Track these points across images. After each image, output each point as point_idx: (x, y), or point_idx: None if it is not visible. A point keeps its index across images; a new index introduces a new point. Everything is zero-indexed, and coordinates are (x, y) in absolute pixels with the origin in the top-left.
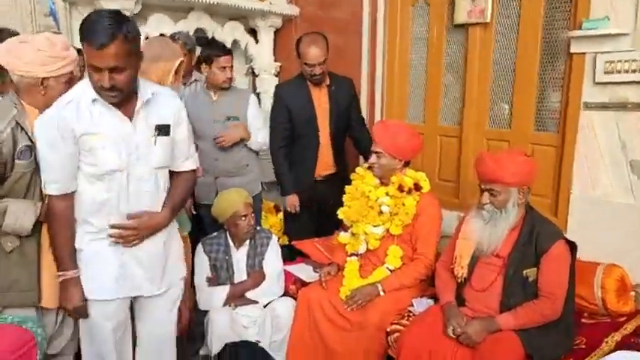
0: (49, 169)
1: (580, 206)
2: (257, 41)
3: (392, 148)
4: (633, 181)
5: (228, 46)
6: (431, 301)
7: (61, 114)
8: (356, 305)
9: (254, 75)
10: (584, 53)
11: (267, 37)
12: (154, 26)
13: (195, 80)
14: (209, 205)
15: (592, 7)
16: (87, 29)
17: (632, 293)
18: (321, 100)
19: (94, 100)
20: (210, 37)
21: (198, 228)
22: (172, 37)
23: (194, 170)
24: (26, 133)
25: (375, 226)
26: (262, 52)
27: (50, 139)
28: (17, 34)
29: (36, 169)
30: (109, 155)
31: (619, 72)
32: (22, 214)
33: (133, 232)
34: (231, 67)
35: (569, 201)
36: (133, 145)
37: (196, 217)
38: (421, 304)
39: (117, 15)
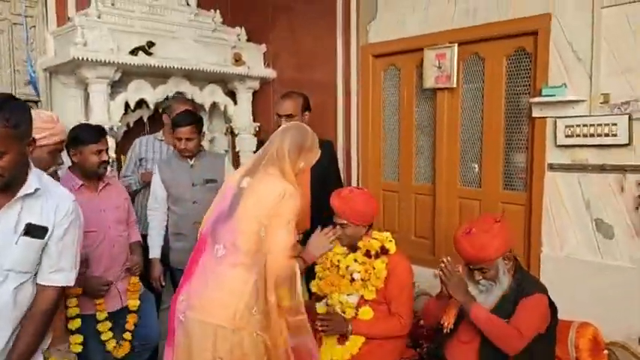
0: None
1: (550, 264)
2: (236, 103)
3: (353, 216)
4: (599, 239)
5: (207, 107)
6: None
7: None
8: (323, 328)
9: (233, 135)
10: (545, 117)
11: (245, 99)
12: (134, 92)
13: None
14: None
15: (550, 74)
16: None
17: (605, 352)
18: None
19: None
20: (189, 98)
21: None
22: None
23: (62, 289)
24: None
25: (348, 295)
26: (241, 113)
27: None
28: None
29: None
30: None
31: (578, 135)
32: None
33: None
34: (189, 138)
35: (540, 259)
36: None
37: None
38: None
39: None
